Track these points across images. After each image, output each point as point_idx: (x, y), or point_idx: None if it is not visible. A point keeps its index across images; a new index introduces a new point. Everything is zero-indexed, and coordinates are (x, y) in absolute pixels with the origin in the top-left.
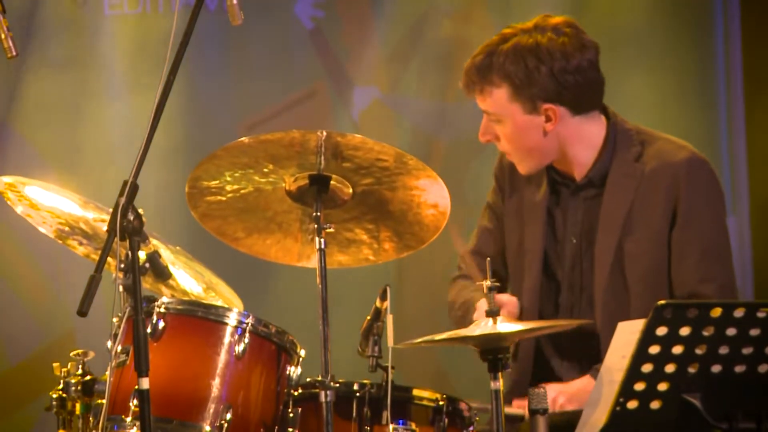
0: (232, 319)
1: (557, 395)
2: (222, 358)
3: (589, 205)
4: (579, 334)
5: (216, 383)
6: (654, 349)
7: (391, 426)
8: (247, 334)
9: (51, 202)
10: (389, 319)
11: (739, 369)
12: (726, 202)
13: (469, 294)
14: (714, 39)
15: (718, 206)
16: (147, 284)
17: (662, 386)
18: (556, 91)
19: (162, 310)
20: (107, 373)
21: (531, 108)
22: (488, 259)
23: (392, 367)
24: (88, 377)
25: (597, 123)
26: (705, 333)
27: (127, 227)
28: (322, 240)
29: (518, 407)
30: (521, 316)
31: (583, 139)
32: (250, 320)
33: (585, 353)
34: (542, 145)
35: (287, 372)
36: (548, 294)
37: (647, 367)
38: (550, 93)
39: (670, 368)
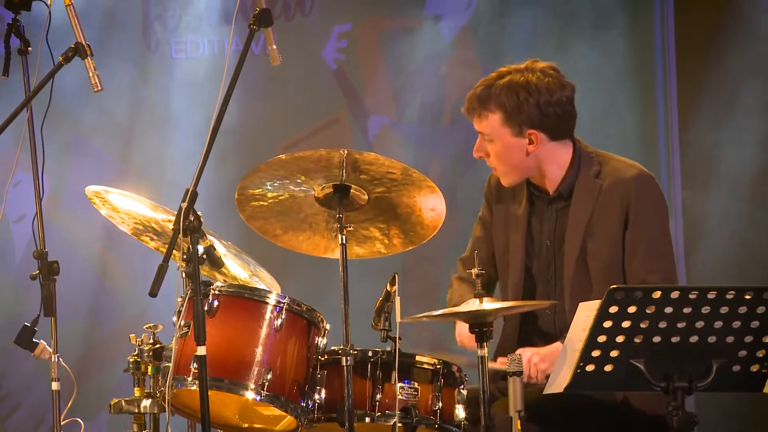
0: (272, 299)
1: (532, 355)
2: (264, 330)
3: (559, 215)
4: (553, 315)
5: (259, 350)
6: (607, 324)
7: (398, 384)
8: (284, 312)
9: (128, 206)
10: (397, 300)
11: (674, 339)
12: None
13: (459, 301)
14: (655, 80)
15: (661, 213)
16: (204, 271)
17: (614, 353)
18: (539, 120)
19: (216, 292)
20: (173, 342)
21: (518, 132)
22: (476, 252)
23: (399, 338)
24: (157, 345)
25: (566, 148)
26: (648, 311)
27: (189, 226)
28: (344, 236)
29: (501, 363)
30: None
31: (555, 160)
32: (286, 300)
33: (557, 330)
34: (524, 162)
35: (316, 341)
36: (529, 286)
37: (602, 338)
38: (534, 121)
39: (620, 339)
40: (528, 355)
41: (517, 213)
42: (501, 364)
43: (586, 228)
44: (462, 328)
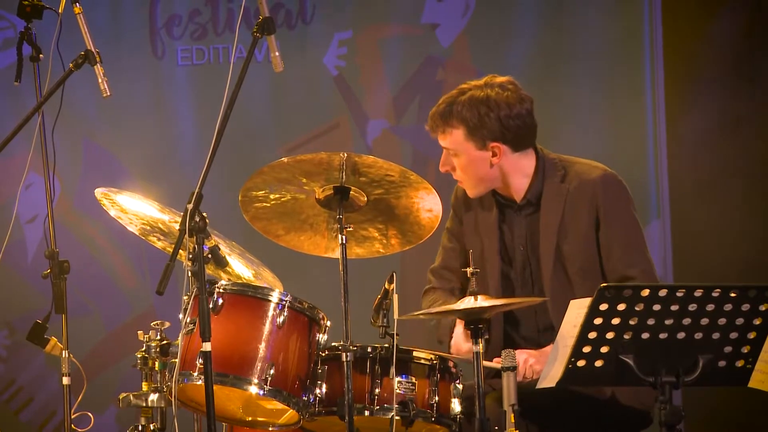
0: (274, 297)
1: (528, 357)
2: (267, 327)
3: (530, 220)
4: (535, 317)
5: (262, 347)
6: (598, 321)
7: (396, 379)
8: (286, 309)
9: (136, 208)
10: (395, 298)
11: (662, 336)
12: (646, 207)
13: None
14: (643, 79)
15: (629, 208)
16: (209, 270)
17: (604, 349)
18: (500, 132)
19: (221, 290)
20: (179, 338)
21: (481, 145)
22: (470, 251)
23: (397, 334)
24: (164, 342)
25: (529, 157)
26: (637, 308)
27: (194, 227)
28: (344, 237)
29: (496, 362)
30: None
31: (519, 170)
32: (288, 298)
33: (540, 330)
34: (489, 174)
35: (317, 338)
36: (508, 290)
37: (592, 335)
38: (496, 134)
39: (610, 335)
40: (524, 357)
41: (488, 220)
42: (496, 362)
43: (558, 231)
44: (457, 339)
